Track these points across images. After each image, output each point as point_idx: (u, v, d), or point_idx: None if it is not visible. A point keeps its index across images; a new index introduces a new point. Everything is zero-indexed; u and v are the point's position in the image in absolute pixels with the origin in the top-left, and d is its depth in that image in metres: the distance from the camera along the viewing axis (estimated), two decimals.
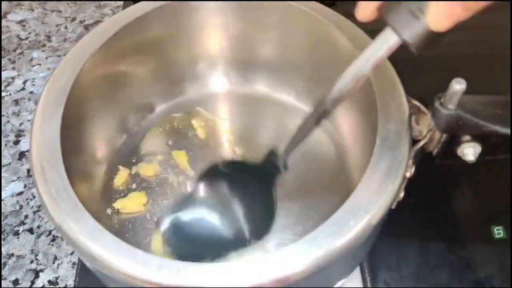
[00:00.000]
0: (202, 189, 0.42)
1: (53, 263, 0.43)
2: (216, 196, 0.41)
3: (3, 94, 0.56)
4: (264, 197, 0.40)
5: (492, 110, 0.30)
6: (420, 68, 0.52)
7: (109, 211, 0.42)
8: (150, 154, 0.46)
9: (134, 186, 0.44)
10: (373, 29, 0.39)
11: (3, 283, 0.41)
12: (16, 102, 0.55)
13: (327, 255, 0.28)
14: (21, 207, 0.46)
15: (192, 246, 0.39)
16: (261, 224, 0.39)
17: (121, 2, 0.67)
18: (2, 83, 0.57)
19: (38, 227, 0.45)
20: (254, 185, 0.41)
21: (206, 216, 0.40)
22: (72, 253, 0.43)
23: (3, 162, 0.50)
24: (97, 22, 0.65)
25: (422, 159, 0.34)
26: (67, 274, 0.42)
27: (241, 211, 0.40)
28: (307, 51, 0.45)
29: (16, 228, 0.45)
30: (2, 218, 0.46)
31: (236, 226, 0.39)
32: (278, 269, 0.27)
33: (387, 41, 0.26)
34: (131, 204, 0.42)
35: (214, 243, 0.39)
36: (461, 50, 0.55)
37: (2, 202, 0.47)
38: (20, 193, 0.47)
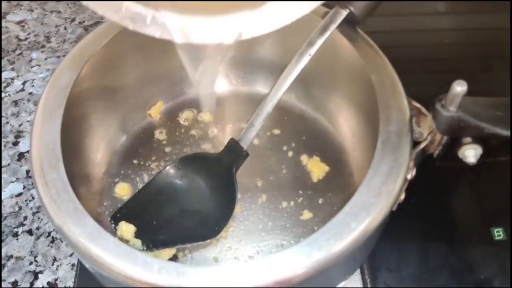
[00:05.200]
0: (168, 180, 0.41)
1: (52, 264, 0.42)
2: (179, 187, 0.41)
3: (2, 95, 0.56)
4: (226, 186, 0.40)
5: (493, 112, 0.30)
6: (421, 69, 0.52)
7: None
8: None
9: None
10: (372, 30, 0.39)
11: (2, 285, 0.41)
12: (15, 103, 0.55)
13: (328, 257, 0.27)
14: (20, 208, 0.46)
15: (160, 232, 0.39)
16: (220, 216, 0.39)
17: None
18: (1, 84, 0.57)
19: (37, 228, 0.45)
20: (215, 175, 0.41)
21: (170, 204, 0.40)
22: (71, 255, 0.43)
23: (2, 163, 0.50)
24: (97, 23, 0.64)
25: (423, 161, 0.34)
26: (67, 275, 0.42)
27: (203, 202, 0.40)
28: None
29: (15, 230, 0.45)
30: (1, 220, 0.45)
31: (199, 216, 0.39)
32: (279, 271, 0.27)
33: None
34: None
35: (179, 230, 0.39)
36: (462, 52, 0.55)
37: (1, 203, 0.47)
38: (19, 194, 0.47)
